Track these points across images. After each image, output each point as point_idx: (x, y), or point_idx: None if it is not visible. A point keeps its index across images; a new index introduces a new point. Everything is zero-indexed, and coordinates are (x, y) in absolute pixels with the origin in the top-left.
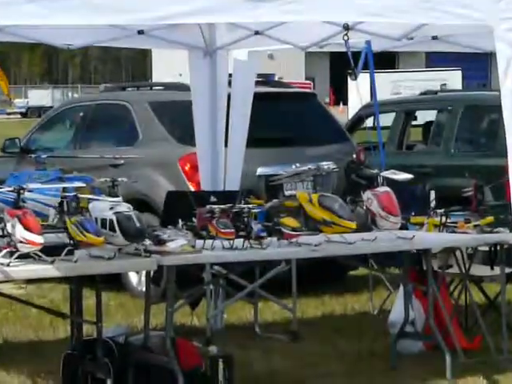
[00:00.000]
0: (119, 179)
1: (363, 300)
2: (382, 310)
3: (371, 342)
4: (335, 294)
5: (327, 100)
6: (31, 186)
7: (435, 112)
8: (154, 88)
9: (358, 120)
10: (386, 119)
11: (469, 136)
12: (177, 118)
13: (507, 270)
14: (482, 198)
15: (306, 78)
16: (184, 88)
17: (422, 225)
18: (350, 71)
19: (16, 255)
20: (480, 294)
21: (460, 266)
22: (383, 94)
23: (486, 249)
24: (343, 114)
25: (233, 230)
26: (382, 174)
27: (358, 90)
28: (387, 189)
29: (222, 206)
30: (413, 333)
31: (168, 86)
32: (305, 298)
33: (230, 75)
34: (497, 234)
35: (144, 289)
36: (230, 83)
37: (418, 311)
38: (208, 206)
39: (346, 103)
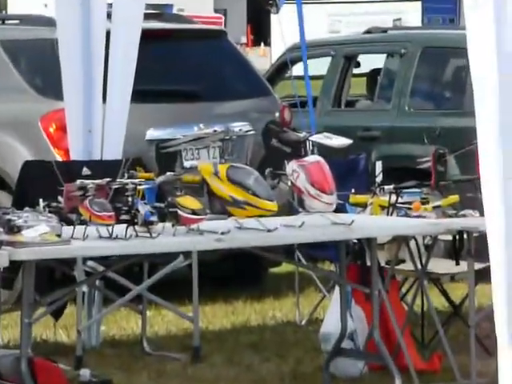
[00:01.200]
0: None
1: (287, 306)
2: (311, 320)
3: (297, 362)
4: (250, 298)
5: (243, 40)
6: None
7: (384, 57)
8: (6, 22)
9: (281, 67)
10: (319, 66)
11: (428, 88)
12: (38, 62)
13: (477, 266)
14: (443, 170)
15: (215, 11)
16: (48, 23)
17: (364, 206)
18: (270, 2)
19: None
20: (441, 298)
21: (415, 261)
22: (317, 33)
23: (450, 238)
24: (265, 59)
25: (112, 213)
26: (311, 138)
27: (282, 27)
28: (318, 158)
29: (98, 181)
30: (352, 350)
31: (26, 20)
32: (210, 303)
33: (110, 6)
34: (463, 218)
35: None
36: (109, 16)
37: (360, 321)
38: (79, 181)
39: (268, 44)
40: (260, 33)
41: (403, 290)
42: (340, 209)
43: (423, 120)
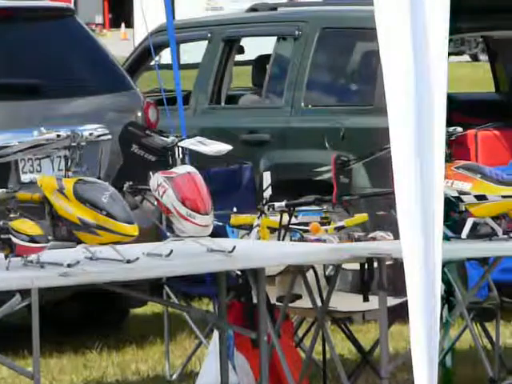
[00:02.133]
0: None
1: (154, 357)
2: (184, 373)
3: None
4: (107, 347)
5: (99, 20)
6: None
7: (274, 40)
8: None
9: (143, 54)
10: (193, 53)
11: (329, 80)
12: None
13: (391, 302)
14: (348, 182)
15: None
16: None
17: (250, 228)
18: None
19: None
20: (348, 343)
21: (313, 297)
22: (192, 10)
23: (357, 267)
24: (127, 43)
25: None
26: (181, 143)
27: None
28: (190, 169)
29: None
30: None
31: None
32: (56, 355)
33: None
34: (373, 241)
35: None
36: None
37: (245, 373)
38: None
39: (130, 25)
40: (120, 11)
41: (299, 333)
42: (219, 232)
43: (323, 119)
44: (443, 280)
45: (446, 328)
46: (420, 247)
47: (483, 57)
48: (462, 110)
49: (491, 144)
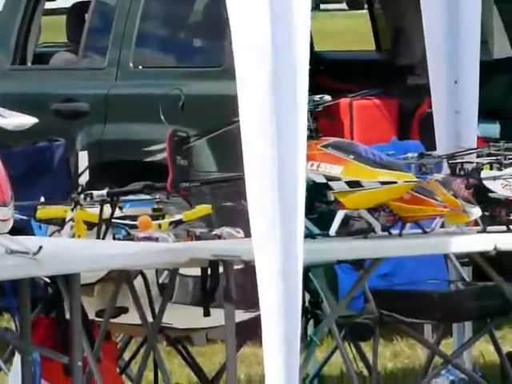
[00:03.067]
0: None
1: None
2: None
3: None
4: None
5: None
6: None
7: None
8: None
9: None
10: None
11: (166, 32)
12: None
13: (241, 317)
14: (187, 164)
15: None
16: None
17: (62, 223)
18: None
19: None
20: (187, 369)
21: (143, 311)
22: None
23: (198, 273)
24: None
25: None
26: None
27: None
28: None
29: None
30: None
31: None
32: None
33: None
34: (219, 240)
35: None
36: None
37: None
38: None
39: None
40: None
41: (125, 356)
42: (22, 228)
43: (158, 84)
44: (307, 288)
45: (310, 349)
46: (277, 247)
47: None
48: (332, 72)
49: (369, 116)
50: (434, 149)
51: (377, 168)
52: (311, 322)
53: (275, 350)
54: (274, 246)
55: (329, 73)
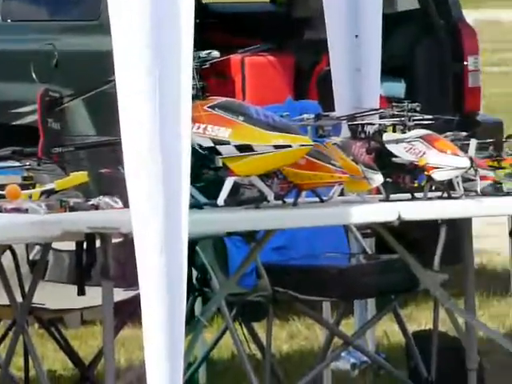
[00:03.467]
0: None
1: None
2: None
3: None
4: None
5: None
6: None
7: None
8: None
9: None
10: None
11: None
12: None
13: (120, 296)
14: (60, 127)
15: None
16: None
17: None
18: None
19: None
20: (62, 354)
21: (11, 290)
22: None
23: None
24: None
25: None
26: None
27: None
28: None
29: None
30: None
31: None
32: None
33: None
34: (96, 211)
35: None
36: None
37: None
38: None
39: None
40: None
41: None
42: None
43: (28, 39)
44: (194, 264)
45: (197, 330)
46: (158, 218)
47: None
48: (223, 26)
49: (263, 74)
50: (333, 109)
51: (269, 131)
52: (199, 301)
53: (157, 332)
54: (155, 217)
55: (219, 26)
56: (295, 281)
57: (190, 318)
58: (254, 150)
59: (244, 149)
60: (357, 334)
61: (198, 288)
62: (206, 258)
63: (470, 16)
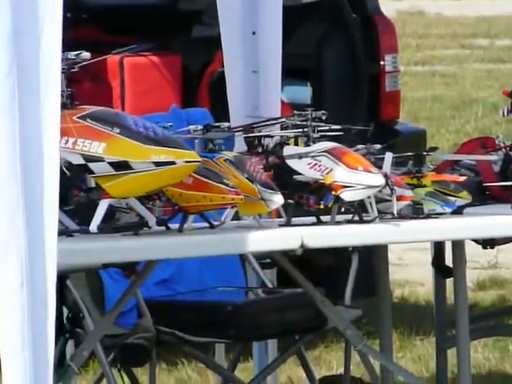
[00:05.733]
0: None
1: None
2: None
3: None
4: None
5: None
6: None
7: None
8: None
9: None
10: None
11: None
12: None
13: None
14: None
15: None
16: None
17: None
18: None
19: None
20: None
21: None
22: None
23: None
24: None
25: None
26: None
27: None
28: None
29: None
30: None
31: None
32: None
33: None
34: None
35: None
36: None
37: None
38: None
39: None
40: None
41: None
42: None
43: None
44: (64, 301)
45: (65, 378)
46: (19, 248)
47: None
48: (97, 21)
49: (145, 78)
50: (227, 119)
51: (150, 145)
52: (71, 343)
53: (17, 380)
54: (16, 246)
55: (94, 23)
56: (183, 319)
57: (60, 364)
58: (131, 168)
59: (120, 166)
60: (256, 379)
61: (68, 329)
62: (79, 294)
63: (391, 7)
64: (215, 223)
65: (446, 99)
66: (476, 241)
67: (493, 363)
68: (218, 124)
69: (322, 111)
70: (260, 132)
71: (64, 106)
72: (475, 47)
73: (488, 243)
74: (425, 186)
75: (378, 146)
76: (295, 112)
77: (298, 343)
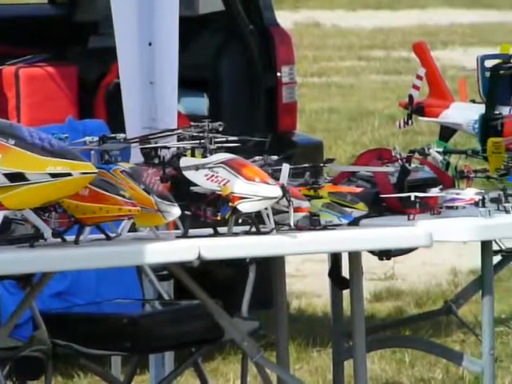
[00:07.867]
0: None
1: None
2: None
3: None
4: None
5: None
6: None
7: None
8: None
9: None
10: None
11: None
12: None
13: None
14: None
15: None
16: None
17: None
18: None
19: None
20: None
21: None
22: None
23: None
24: None
25: None
26: None
27: None
28: None
29: None
30: None
31: None
32: None
33: None
34: None
35: None
36: None
37: None
38: None
39: None
40: None
41: None
42: None
43: None
44: None
45: None
46: None
47: None
48: None
49: (40, 89)
50: (123, 130)
51: (45, 156)
52: None
53: None
54: None
55: None
56: (79, 332)
57: None
58: (27, 180)
59: (15, 178)
60: None
61: None
62: None
63: (289, 19)
64: (112, 235)
65: (342, 111)
66: (372, 252)
67: (389, 375)
68: (114, 135)
69: (219, 122)
70: (157, 143)
71: None
72: (372, 59)
73: (384, 254)
74: (321, 198)
75: (275, 158)
76: (192, 123)
77: (195, 355)
